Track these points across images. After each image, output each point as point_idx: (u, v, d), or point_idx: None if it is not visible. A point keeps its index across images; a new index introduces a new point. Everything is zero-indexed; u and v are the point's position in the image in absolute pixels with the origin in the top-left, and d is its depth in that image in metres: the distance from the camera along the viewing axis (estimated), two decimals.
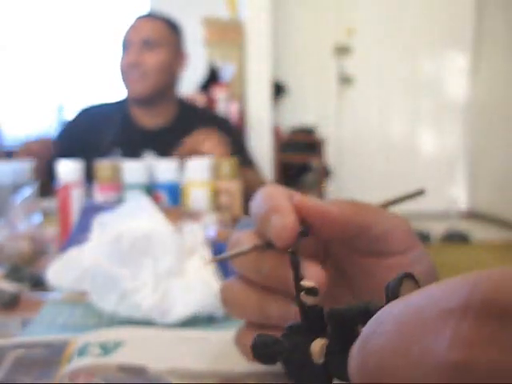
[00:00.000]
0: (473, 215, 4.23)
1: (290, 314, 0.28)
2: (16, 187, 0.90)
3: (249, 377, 0.37)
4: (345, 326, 0.19)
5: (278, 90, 3.81)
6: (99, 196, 0.87)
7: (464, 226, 3.73)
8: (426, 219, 3.99)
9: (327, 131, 3.89)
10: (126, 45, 1.37)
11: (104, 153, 1.35)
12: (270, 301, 0.30)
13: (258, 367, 0.38)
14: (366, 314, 0.19)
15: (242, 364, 0.36)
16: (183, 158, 1.02)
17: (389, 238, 0.30)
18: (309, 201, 0.30)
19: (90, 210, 0.75)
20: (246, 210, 1.02)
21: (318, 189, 3.55)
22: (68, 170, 0.83)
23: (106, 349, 0.40)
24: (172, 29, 1.43)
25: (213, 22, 3.19)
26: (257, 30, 3.19)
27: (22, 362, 0.40)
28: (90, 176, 0.94)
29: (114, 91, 3.44)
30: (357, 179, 4.15)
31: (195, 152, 1.08)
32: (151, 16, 1.44)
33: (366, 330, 0.16)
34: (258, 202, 0.31)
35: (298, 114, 4.02)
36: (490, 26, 4.06)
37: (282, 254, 0.29)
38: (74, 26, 3.49)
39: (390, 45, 4.11)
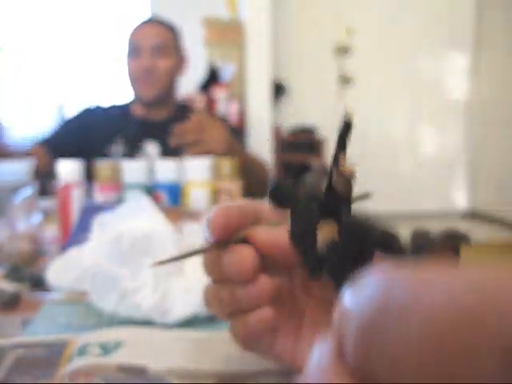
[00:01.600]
0: (473, 215, 4.23)
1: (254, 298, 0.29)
2: (16, 187, 0.90)
3: (249, 377, 0.37)
4: (359, 241, 0.18)
5: (278, 90, 3.81)
6: (99, 196, 0.87)
7: (464, 226, 3.73)
8: (426, 219, 3.99)
9: (327, 131, 3.90)
10: (136, 50, 1.44)
11: (105, 146, 1.40)
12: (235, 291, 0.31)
13: (257, 367, 0.37)
14: (389, 241, 0.17)
15: (242, 364, 0.36)
16: (182, 141, 1.07)
17: None
18: (259, 233, 0.30)
19: (90, 210, 0.75)
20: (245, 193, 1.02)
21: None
22: (68, 170, 0.83)
23: (105, 349, 0.40)
24: (175, 34, 1.52)
25: (213, 22, 3.19)
26: (257, 30, 3.19)
27: (21, 362, 0.40)
28: (90, 176, 0.94)
29: (114, 91, 3.44)
30: (357, 179, 4.15)
31: (196, 134, 1.14)
32: (155, 21, 1.51)
33: (376, 305, 0.13)
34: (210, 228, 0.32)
35: (298, 114, 4.02)
36: (490, 26, 4.06)
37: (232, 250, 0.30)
38: (74, 25, 3.49)
39: (389, 45, 4.11)
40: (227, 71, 3.16)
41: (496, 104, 4.00)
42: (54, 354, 0.42)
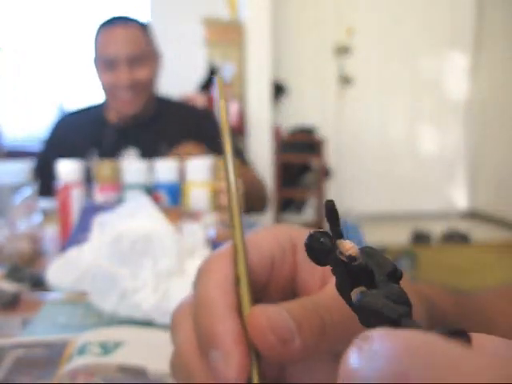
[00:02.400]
0: (473, 215, 4.23)
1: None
2: (16, 187, 0.90)
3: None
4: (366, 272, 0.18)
5: (278, 90, 3.81)
6: (99, 196, 0.87)
7: (464, 226, 3.73)
8: (426, 219, 3.99)
9: (327, 131, 3.89)
10: (110, 62, 1.26)
11: (79, 157, 1.29)
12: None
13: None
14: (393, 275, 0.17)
15: None
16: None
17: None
18: (266, 321, 0.21)
19: (90, 210, 0.75)
20: (245, 209, 1.02)
21: (317, 189, 3.55)
22: (68, 170, 0.83)
23: (105, 348, 0.40)
24: (146, 31, 1.34)
25: (213, 22, 3.20)
26: (257, 30, 3.19)
27: (21, 362, 0.40)
28: (90, 176, 0.94)
29: None
30: (357, 179, 4.15)
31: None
32: (123, 22, 1.31)
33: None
34: (195, 300, 0.23)
35: (298, 114, 4.02)
36: (490, 26, 4.06)
37: None
38: (74, 25, 3.49)
39: (389, 45, 4.11)
40: (227, 71, 3.16)
41: (496, 104, 4.00)
42: (54, 354, 0.42)
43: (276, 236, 0.26)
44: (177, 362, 0.24)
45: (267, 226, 0.29)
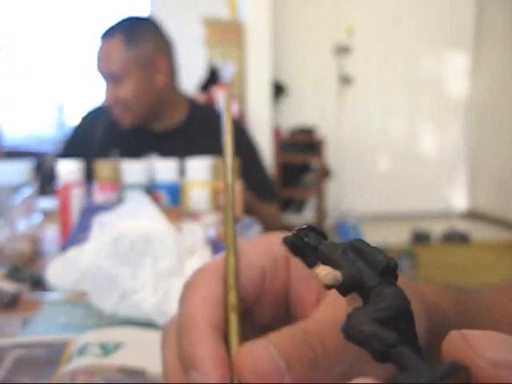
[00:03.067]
0: (473, 215, 4.23)
1: None
2: (16, 187, 0.90)
3: None
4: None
5: (278, 90, 3.81)
6: (99, 196, 0.87)
7: (464, 226, 3.73)
8: (426, 219, 3.99)
9: (327, 131, 3.89)
10: (102, 77, 1.25)
11: (104, 156, 1.30)
12: None
13: None
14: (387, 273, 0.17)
15: None
16: None
17: (352, 367, 0.23)
18: (251, 363, 0.20)
19: (90, 210, 0.75)
20: (245, 210, 1.02)
21: (317, 189, 3.55)
22: (68, 170, 0.83)
23: (105, 349, 0.40)
24: (129, 42, 1.23)
25: (213, 22, 3.19)
26: (257, 30, 3.19)
27: (22, 362, 0.40)
28: (90, 176, 0.94)
29: None
30: (357, 179, 4.16)
31: None
32: (109, 36, 1.24)
33: None
34: (179, 318, 0.23)
35: (298, 114, 4.02)
36: (489, 26, 4.06)
37: None
38: (74, 25, 3.49)
39: (389, 45, 4.11)
40: (227, 71, 3.16)
41: (496, 104, 4.00)
42: (53, 354, 0.42)
43: (269, 247, 0.26)
44: (164, 378, 0.24)
45: (261, 235, 0.28)
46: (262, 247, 0.26)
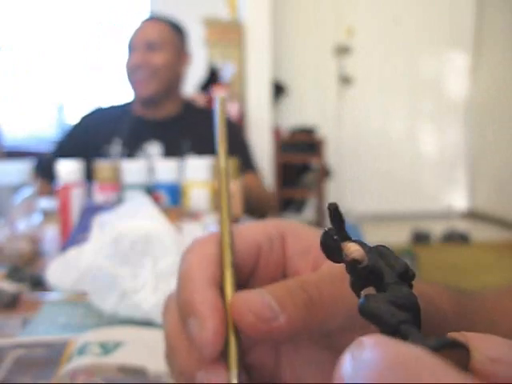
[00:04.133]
0: (473, 215, 4.23)
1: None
2: (16, 187, 0.90)
3: None
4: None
5: (278, 90, 3.81)
6: (99, 196, 0.87)
7: (464, 226, 3.73)
8: (426, 219, 3.99)
9: (327, 131, 3.89)
10: (132, 47, 1.41)
11: (103, 147, 1.38)
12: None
13: None
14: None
15: None
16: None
17: (344, 333, 0.24)
18: (244, 304, 0.21)
19: (90, 210, 0.75)
20: (245, 210, 1.02)
21: (317, 189, 3.55)
22: (68, 170, 0.83)
23: (105, 348, 0.40)
24: (175, 30, 1.47)
25: (213, 22, 3.19)
26: (257, 30, 3.19)
27: (22, 362, 0.40)
28: (90, 176, 0.94)
29: (115, 91, 3.44)
30: (357, 179, 4.16)
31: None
32: (155, 19, 1.48)
33: None
34: (178, 278, 0.24)
35: (298, 114, 4.02)
36: (490, 26, 4.06)
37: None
38: (74, 25, 3.49)
39: (389, 45, 4.11)
40: (227, 71, 3.16)
41: (496, 104, 4.00)
42: (53, 354, 0.42)
43: (263, 226, 0.27)
44: (166, 346, 0.24)
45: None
46: (257, 226, 0.27)
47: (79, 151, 1.33)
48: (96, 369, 0.37)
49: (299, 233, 0.27)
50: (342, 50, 4.06)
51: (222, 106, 0.27)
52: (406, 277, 0.18)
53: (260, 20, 3.20)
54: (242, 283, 0.25)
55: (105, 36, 3.54)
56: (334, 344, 0.25)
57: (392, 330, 0.16)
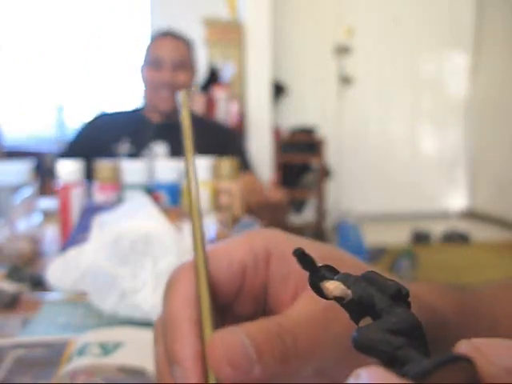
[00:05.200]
0: (473, 215, 4.23)
1: None
2: (16, 187, 0.90)
3: None
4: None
5: (278, 90, 3.81)
6: (99, 196, 0.87)
7: (464, 226, 3.73)
8: (426, 219, 3.99)
9: (327, 131, 3.89)
10: (157, 62, 1.52)
11: (114, 145, 1.44)
12: None
13: None
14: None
15: None
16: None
17: (330, 370, 0.24)
18: (222, 352, 0.21)
19: (90, 210, 0.75)
20: (245, 210, 1.02)
21: (317, 189, 3.55)
22: (68, 170, 0.83)
23: (105, 349, 0.40)
24: (191, 48, 1.60)
25: (213, 22, 3.19)
26: (257, 30, 3.19)
27: (22, 362, 0.40)
28: (90, 176, 0.94)
29: (114, 91, 3.44)
30: (357, 179, 4.15)
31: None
32: (174, 35, 1.58)
33: None
34: (162, 317, 0.25)
35: (298, 114, 4.01)
36: (490, 26, 4.06)
37: None
38: (74, 25, 3.49)
39: (389, 45, 4.11)
40: (227, 71, 3.16)
41: (496, 104, 4.00)
42: (53, 354, 0.42)
43: (250, 244, 0.26)
44: (156, 372, 0.25)
45: (249, 231, 0.28)
46: (244, 243, 0.26)
47: (89, 151, 1.41)
48: (96, 369, 0.37)
49: (284, 252, 0.26)
50: (342, 50, 4.06)
51: (185, 101, 0.28)
52: (400, 296, 0.18)
53: (260, 20, 3.20)
54: (227, 303, 0.25)
55: (105, 37, 3.54)
56: (317, 373, 0.24)
57: (389, 359, 0.16)
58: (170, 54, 1.53)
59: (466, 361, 0.14)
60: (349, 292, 0.18)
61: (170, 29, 1.65)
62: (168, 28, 1.66)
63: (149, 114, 1.57)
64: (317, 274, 0.19)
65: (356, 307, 0.18)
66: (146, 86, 1.56)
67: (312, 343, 0.22)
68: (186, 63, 1.55)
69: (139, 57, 1.61)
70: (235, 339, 0.21)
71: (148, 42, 1.62)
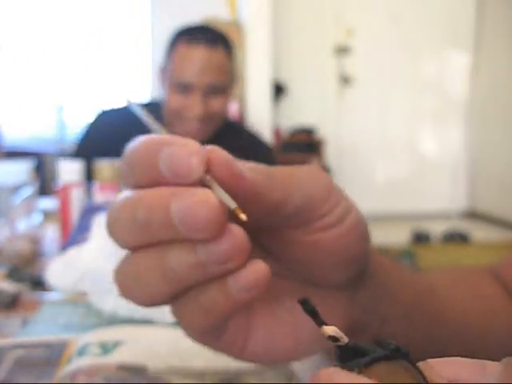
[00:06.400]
0: (473, 215, 4.23)
1: (197, 258, 0.20)
2: (16, 187, 0.90)
3: (248, 375, 0.37)
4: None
5: (278, 90, 3.81)
6: (99, 196, 0.87)
7: (464, 226, 3.73)
8: (426, 219, 3.99)
9: (327, 131, 3.89)
10: (185, 85, 1.13)
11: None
12: (168, 251, 0.20)
13: (257, 366, 0.38)
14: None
15: (241, 363, 0.36)
16: None
17: (311, 206, 0.24)
18: (221, 154, 0.20)
19: (90, 210, 0.75)
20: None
21: None
22: (68, 169, 0.83)
23: (105, 348, 0.40)
24: (230, 55, 1.19)
25: (213, 22, 3.19)
26: (257, 30, 3.19)
27: (22, 362, 0.40)
28: (90, 176, 0.94)
29: (114, 92, 3.44)
30: (357, 179, 4.15)
31: None
32: (208, 41, 1.14)
33: None
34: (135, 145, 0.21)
35: (298, 114, 4.01)
36: (490, 26, 4.06)
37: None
38: (74, 26, 3.49)
39: (390, 45, 4.10)
40: None
41: (496, 104, 4.00)
42: (54, 353, 0.42)
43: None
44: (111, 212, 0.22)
45: None
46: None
47: (100, 152, 1.15)
48: (96, 369, 0.37)
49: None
50: (342, 50, 4.06)
51: (139, 111, 0.24)
52: (399, 353, 0.18)
53: (260, 20, 3.20)
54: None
55: (105, 37, 3.54)
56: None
57: (344, 351, 0.18)
58: (203, 77, 1.11)
59: (405, 356, 0.17)
60: (344, 336, 0.19)
61: (202, 27, 1.20)
62: (198, 25, 1.20)
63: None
64: (318, 319, 0.19)
65: (348, 352, 0.19)
66: (168, 110, 1.17)
67: (291, 179, 0.24)
68: (225, 85, 1.15)
69: (146, 60, 1.18)
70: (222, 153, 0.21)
71: (168, 44, 1.17)
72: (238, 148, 1.31)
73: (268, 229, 0.25)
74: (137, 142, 0.21)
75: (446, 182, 4.33)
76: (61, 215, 0.82)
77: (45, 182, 1.35)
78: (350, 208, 0.26)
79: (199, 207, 0.18)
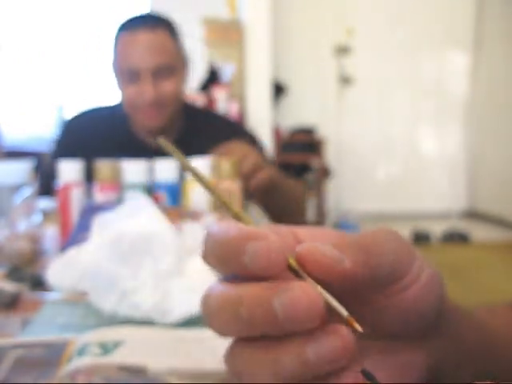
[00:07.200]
0: (473, 215, 4.23)
1: (307, 358, 0.20)
2: (16, 187, 0.90)
3: None
4: None
5: (278, 90, 3.81)
6: (99, 196, 0.87)
7: (464, 226, 3.73)
8: (426, 219, 3.99)
9: (327, 131, 3.89)
10: (132, 74, 1.12)
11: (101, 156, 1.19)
12: (278, 353, 0.21)
13: None
14: None
15: None
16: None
17: (399, 273, 0.25)
18: (315, 251, 0.22)
19: (90, 210, 0.75)
20: (246, 209, 1.02)
21: (317, 189, 3.55)
22: (68, 170, 0.83)
23: (105, 348, 0.40)
24: (175, 37, 1.19)
25: (213, 22, 3.19)
26: (257, 30, 3.19)
27: (22, 362, 0.40)
28: (90, 176, 0.94)
29: (114, 91, 3.44)
30: (357, 179, 4.15)
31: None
32: (146, 26, 1.14)
33: None
34: (218, 230, 0.22)
35: (298, 114, 4.02)
36: (489, 26, 4.06)
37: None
38: (74, 25, 3.49)
39: (390, 45, 4.11)
40: (227, 71, 3.16)
41: (496, 104, 4.00)
42: (53, 353, 0.42)
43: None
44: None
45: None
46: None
47: (78, 153, 1.09)
48: (96, 369, 0.37)
49: None
50: (342, 50, 4.06)
51: (170, 149, 0.24)
52: None
53: (260, 20, 3.20)
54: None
55: (105, 37, 3.53)
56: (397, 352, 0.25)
57: None
58: (147, 60, 1.10)
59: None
60: None
61: (141, 15, 1.20)
62: (137, 14, 1.20)
63: (136, 130, 1.22)
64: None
65: None
66: (124, 102, 1.17)
67: (377, 243, 0.25)
68: (172, 65, 1.14)
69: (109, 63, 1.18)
70: (319, 244, 0.23)
71: (114, 37, 1.17)
72: (212, 132, 1.22)
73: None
74: (219, 237, 0.21)
75: (445, 182, 4.33)
76: (61, 215, 0.82)
77: (45, 181, 1.35)
78: (423, 263, 0.27)
79: (301, 300, 0.20)
